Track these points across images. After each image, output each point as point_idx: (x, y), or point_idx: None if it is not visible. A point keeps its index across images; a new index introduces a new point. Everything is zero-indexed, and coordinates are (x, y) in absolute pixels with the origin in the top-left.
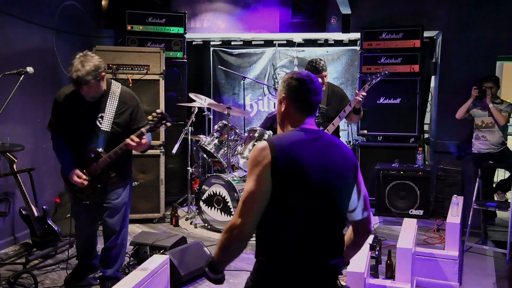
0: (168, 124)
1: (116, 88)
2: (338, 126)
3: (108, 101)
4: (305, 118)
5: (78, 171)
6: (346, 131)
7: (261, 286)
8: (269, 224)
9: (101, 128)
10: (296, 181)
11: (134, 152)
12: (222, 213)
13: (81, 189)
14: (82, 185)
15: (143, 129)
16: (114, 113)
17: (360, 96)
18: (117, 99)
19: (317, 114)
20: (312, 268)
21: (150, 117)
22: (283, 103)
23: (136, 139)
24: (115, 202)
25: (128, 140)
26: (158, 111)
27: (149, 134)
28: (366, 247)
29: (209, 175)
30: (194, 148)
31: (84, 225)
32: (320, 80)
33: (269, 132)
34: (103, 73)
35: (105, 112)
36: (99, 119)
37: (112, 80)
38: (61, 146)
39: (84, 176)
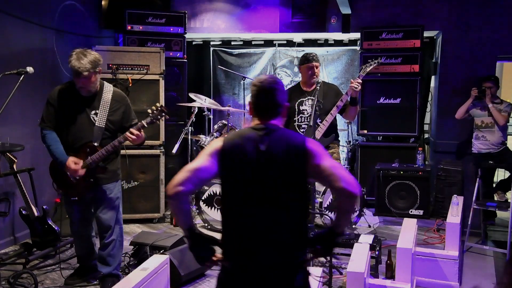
0: (167, 116)
1: (109, 88)
2: (336, 124)
3: (102, 99)
4: (263, 120)
5: (74, 158)
6: (346, 131)
7: (220, 276)
8: (222, 217)
9: (96, 124)
10: (236, 171)
11: (133, 152)
12: None
13: (72, 185)
14: (76, 173)
15: (144, 122)
16: (108, 111)
17: (356, 83)
18: (110, 98)
19: (314, 109)
20: (257, 260)
21: (149, 110)
22: (249, 107)
23: (136, 132)
24: (109, 197)
25: (127, 134)
26: (158, 104)
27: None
28: (366, 247)
29: None
30: (194, 148)
31: (79, 226)
32: (309, 71)
33: None
34: (100, 68)
35: (99, 109)
36: (94, 116)
37: (104, 81)
38: (54, 138)
39: (81, 163)
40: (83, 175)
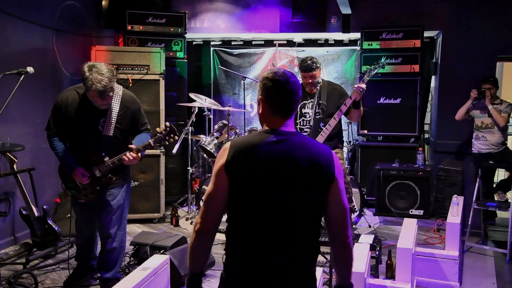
0: (176, 137)
1: (118, 90)
2: (341, 127)
3: (110, 106)
4: (280, 120)
5: (83, 169)
6: (346, 131)
7: (223, 276)
8: (229, 224)
9: (103, 133)
10: (246, 182)
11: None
12: None
13: (79, 189)
14: (85, 182)
15: (151, 141)
16: (116, 118)
17: (360, 88)
18: (119, 104)
19: (315, 111)
20: (264, 269)
21: (158, 129)
22: (260, 104)
23: (134, 155)
24: (110, 203)
25: (125, 156)
26: (167, 124)
27: (147, 136)
28: (366, 247)
29: (209, 175)
30: (195, 148)
31: (82, 225)
32: (309, 79)
33: None
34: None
35: (107, 116)
36: (101, 124)
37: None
38: (62, 146)
39: (88, 174)
40: (89, 182)
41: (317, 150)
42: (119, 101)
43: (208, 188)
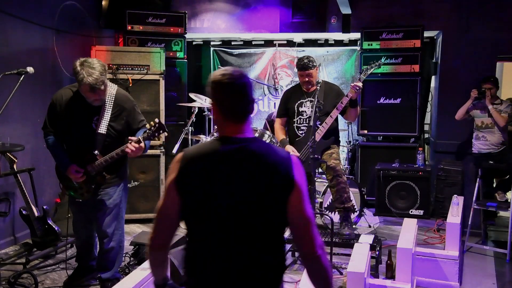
0: (166, 133)
1: (112, 89)
2: (337, 125)
3: (104, 104)
4: (232, 126)
5: (76, 166)
6: (346, 131)
7: None
8: (188, 239)
9: (97, 131)
10: (198, 196)
11: None
12: None
13: (75, 188)
14: (79, 180)
15: (140, 137)
16: (109, 116)
17: (357, 86)
18: (112, 102)
19: (315, 110)
20: (229, 280)
21: (148, 126)
22: (212, 110)
23: (135, 145)
24: (106, 203)
25: (127, 147)
26: (156, 120)
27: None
28: (366, 247)
29: None
30: None
31: (80, 225)
32: (306, 78)
33: (269, 132)
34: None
35: (100, 114)
36: (95, 122)
37: (108, 82)
38: (56, 144)
39: (82, 171)
40: (84, 181)
41: (274, 157)
42: (113, 100)
43: (159, 202)
